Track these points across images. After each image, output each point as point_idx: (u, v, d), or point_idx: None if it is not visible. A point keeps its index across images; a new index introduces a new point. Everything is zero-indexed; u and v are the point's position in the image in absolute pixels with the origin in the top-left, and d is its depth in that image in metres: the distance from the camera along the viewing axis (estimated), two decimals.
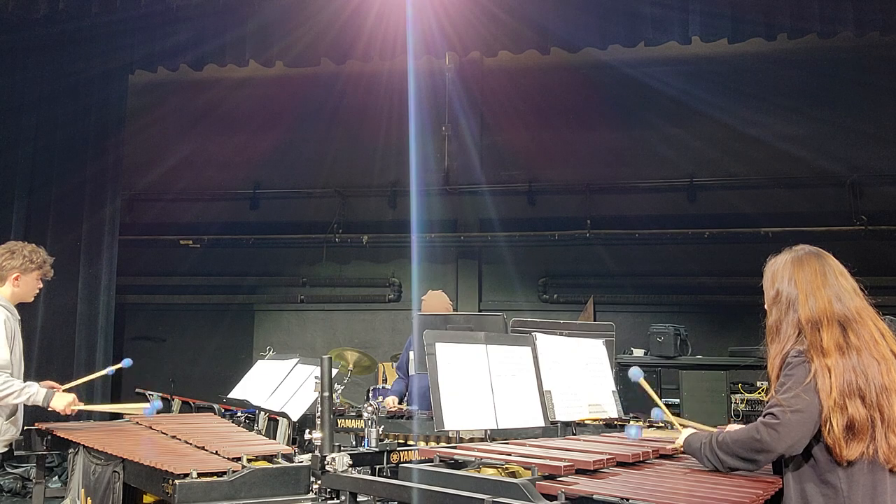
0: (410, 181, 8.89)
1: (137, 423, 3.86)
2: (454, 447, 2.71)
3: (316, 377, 2.87)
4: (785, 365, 2.25)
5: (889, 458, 2.12)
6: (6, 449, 3.86)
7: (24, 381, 3.91)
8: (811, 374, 2.17)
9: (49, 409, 3.83)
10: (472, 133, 9.72)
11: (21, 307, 4.05)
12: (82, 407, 3.98)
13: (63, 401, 3.83)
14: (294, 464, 2.84)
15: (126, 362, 4.38)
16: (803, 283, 2.31)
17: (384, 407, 5.09)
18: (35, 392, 3.75)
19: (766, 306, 2.41)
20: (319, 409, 2.74)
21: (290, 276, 10.21)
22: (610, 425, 3.90)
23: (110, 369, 4.60)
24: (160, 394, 5.74)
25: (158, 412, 3.92)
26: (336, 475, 2.61)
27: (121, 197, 8.68)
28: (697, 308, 9.18)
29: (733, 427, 2.47)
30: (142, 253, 9.87)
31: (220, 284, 10.20)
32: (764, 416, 2.19)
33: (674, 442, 2.63)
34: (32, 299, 4.12)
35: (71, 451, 3.63)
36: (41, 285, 4.09)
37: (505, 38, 7.36)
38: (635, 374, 3.00)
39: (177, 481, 2.55)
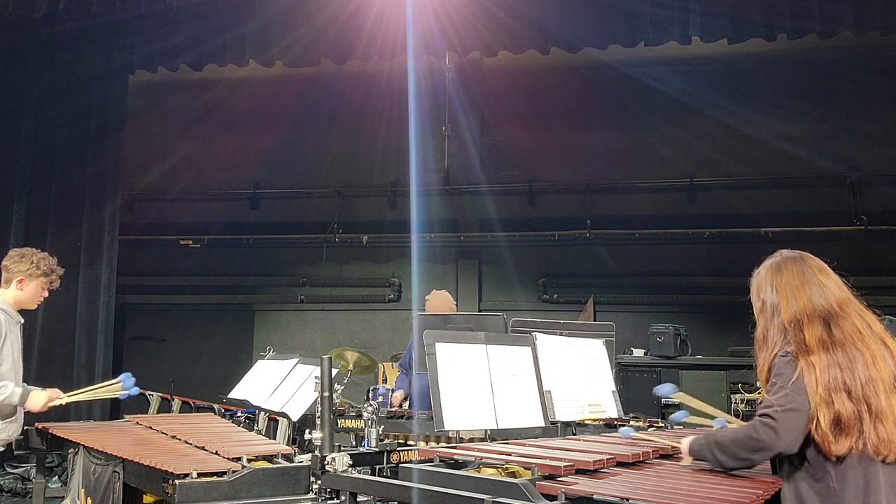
0: (410, 181, 8.88)
1: (137, 423, 3.87)
2: (454, 447, 2.71)
3: (316, 377, 2.87)
4: (773, 366, 2.27)
5: (879, 449, 2.13)
6: (3, 448, 3.87)
7: (24, 382, 3.93)
8: (798, 372, 2.19)
9: (25, 408, 3.82)
10: (472, 133, 9.71)
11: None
12: (60, 402, 3.93)
13: (39, 399, 3.81)
14: (294, 464, 2.85)
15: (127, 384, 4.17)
16: (783, 288, 2.36)
17: (391, 403, 5.11)
18: (11, 392, 3.73)
19: (754, 317, 2.44)
20: (319, 409, 2.74)
21: (290, 276, 10.21)
22: (610, 425, 3.89)
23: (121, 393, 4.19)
24: (160, 394, 5.74)
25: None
26: (336, 475, 2.61)
27: (121, 197, 8.68)
28: (697, 308, 9.17)
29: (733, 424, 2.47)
30: (142, 253, 9.86)
31: (220, 284, 10.19)
32: (760, 416, 2.20)
33: (672, 444, 2.65)
34: (35, 307, 4.12)
35: (71, 451, 3.63)
36: (46, 294, 4.09)
37: (505, 38, 7.36)
38: (667, 390, 2.88)
39: (177, 481, 2.56)
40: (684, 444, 2.46)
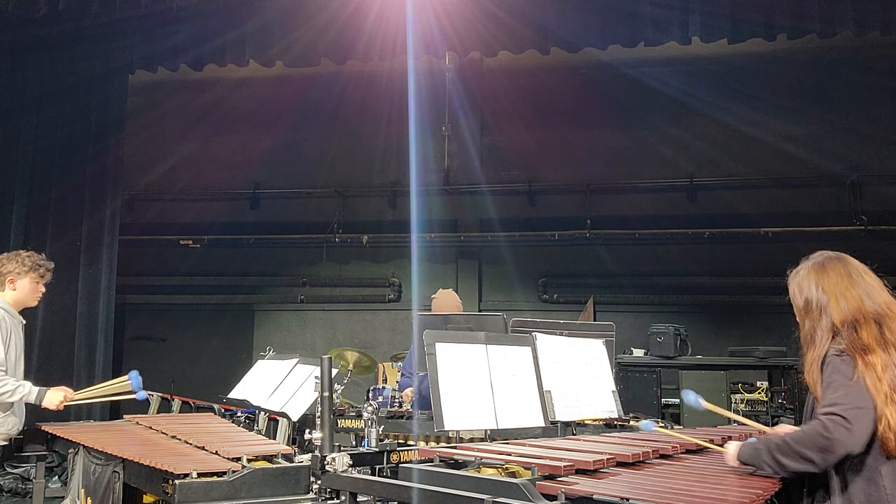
0: (410, 181, 8.88)
1: (137, 423, 3.88)
2: (454, 447, 2.71)
3: (316, 377, 2.87)
4: (825, 365, 2.25)
5: None
6: (6, 443, 3.89)
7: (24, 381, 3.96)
8: (857, 372, 2.18)
9: (42, 406, 3.89)
10: (472, 133, 9.71)
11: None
12: (73, 402, 4.04)
13: (55, 398, 3.93)
14: (294, 464, 2.85)
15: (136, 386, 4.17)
16: (830, 287, 2.34)
17: (402, 401, 5.11)
18: (28, 391, 3.85)
19: (797, 318, 2.42)
20: (319, 409, 2.74)
21: (290, 276, 10.21)
22: (610, 425, 3.89)
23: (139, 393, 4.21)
24: (160, 394, 5.73)
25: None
26: (336, 475, 2.61)
27: (121, 197, 8.67)
28: (697, 308, 9.18)
29: (784, 428, 2.45)
30: (142, 253, 9.86)
31: (220, 284, 10.20)
32: (827, 415, 2.13)
33: (699, 442, 2.67)
34: (35, 303, 4.21)
35: (71, 451, 3.64)
36: (42, 289, 4.17)
37: (505, 38, 7.36)
38: (692, 400, 2.79)
39: (177, 481, 2.56)
40: (731, 449, 2.36)
